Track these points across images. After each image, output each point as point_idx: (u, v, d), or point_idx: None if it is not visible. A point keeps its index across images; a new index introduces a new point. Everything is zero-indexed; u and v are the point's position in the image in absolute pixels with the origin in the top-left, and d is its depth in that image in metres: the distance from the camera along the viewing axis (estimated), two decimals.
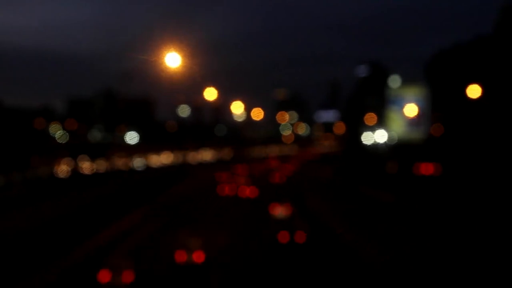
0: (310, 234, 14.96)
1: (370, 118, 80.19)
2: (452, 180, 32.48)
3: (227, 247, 13.72)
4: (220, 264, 11.89)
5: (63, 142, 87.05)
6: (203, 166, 65.47)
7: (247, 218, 19.32)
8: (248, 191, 29.38)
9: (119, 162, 59.75)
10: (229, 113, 67.90)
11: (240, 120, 78.92)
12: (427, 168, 42.40)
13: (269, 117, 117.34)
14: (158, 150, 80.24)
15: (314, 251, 13.18)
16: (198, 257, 12.04)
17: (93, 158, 59.90)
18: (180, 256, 12.08)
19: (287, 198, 23.09)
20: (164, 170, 56.51)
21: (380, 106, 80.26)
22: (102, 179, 39.58)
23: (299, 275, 10.45)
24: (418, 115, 68.93)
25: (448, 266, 11.00)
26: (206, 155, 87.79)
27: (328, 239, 14.81)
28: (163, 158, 75.26)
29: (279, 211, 18.89)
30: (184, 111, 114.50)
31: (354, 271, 11.07)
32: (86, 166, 52.01)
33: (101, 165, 55.16)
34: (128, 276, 10.53)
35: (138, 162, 63.35)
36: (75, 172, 47.46)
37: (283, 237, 14.34)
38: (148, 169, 58.53)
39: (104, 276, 9.80)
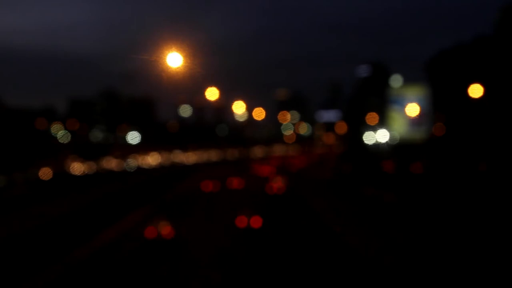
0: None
1: (372, 118, 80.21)
2: (454, 180, 32.51)
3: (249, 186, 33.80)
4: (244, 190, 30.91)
5: (65, 142, 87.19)
6: (202, 167, 65.14)
7: (259, 182, 36.82)
8: (268, 173, 47.40)
9: (112, 163, 59.47)
10: (231, 113, 67.95)
11: (241, 120, 78.98)
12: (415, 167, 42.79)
13: (271, 117, 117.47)
14: (156, 150, 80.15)
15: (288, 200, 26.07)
16: (240, 184, 34.55)
17: (93, 158, 59.79)
18: (230, 184, 34.42)
19: (281, 175, 43.15)
20: (159, 171, 56.04)
21: (381, 105, 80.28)
22: (97, 181, 39.60)
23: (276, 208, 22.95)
24: (420, 115, 68.94)
25: (450, 265, 11.04)
26: (209, 155, 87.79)
27: (326, 235, 14.89)
28: (158, 159, 74.94)
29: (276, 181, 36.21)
30: (185, 111, 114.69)
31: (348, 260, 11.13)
32: (77, 167, 51.67)
33: (93, 167, 54.86)
34: None
35: (130, 163, 62.61)
36: (65, 173, 47.25)
37: (270, 190, 30.90)
38: (141, 170, 57.74)
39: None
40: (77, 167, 51.56)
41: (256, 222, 17.86)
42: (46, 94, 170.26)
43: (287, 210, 22.10)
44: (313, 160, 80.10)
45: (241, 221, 17.79)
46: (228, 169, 52.08)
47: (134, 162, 65.00)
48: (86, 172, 49.38)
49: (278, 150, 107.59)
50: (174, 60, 18.22)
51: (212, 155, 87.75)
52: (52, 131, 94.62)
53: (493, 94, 46.41)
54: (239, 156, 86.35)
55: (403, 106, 69.93)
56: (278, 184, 34.25)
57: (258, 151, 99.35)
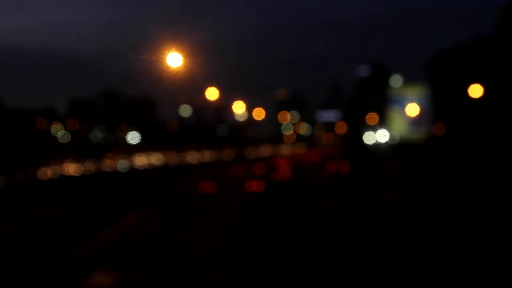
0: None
1: (372, 117, 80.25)
2: (455, 179, 32.52)
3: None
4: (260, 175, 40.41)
5: (65, 142, 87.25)
6: (200, 167, 64.89)
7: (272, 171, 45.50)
8: (282, 166, 54.20)
9: (110, 164, 59.33)
10: (231, 113, 68.00)
11: (241, 120, 78.97)
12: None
13: (271, 117, 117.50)
14: (156, 150, 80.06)
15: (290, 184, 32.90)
16: (259, 169, 47.58)
17: (93, 158, 59.76)
18: (255, 170, 46.22)
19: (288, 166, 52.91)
20: (157, 171, 55.77)
21: (381, 105, 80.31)
22: (97, 181, 39.63)
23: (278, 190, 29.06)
24: (420, 115, 68.97)
25: (450, 265, 11.04)
26: (207, 155, 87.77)
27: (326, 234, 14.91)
28: (154, 159, 74.66)
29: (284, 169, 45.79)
30: (185, 111, 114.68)
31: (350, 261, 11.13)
32: (73, 168, 51.59)
33: (92, 167, 54.75)
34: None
35: (122, 164, 62.23)
36: (65, 173, 47.23)
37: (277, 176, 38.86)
38: (133, 170, 57.43)
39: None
40: (73, 168, 51.49)
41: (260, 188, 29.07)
42: (46, 94, 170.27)
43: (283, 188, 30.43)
44: (317, 158, 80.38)
45: (249, 187, 29.07)
46: (227, 168, 52.09)
47: (126, 162, 64.82)
48: (85, 172, 49.36)
49: (282, 149, 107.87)
50: (174, 60, 18.21)
51: (210, 155, 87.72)
52: (52, 131, 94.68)
53: (493, 94, 46.42)
54: (236, 157, 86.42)
55: (403, 106, 70.01)
56: (283, 173, 43.18)
57: (257, 151, 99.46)
